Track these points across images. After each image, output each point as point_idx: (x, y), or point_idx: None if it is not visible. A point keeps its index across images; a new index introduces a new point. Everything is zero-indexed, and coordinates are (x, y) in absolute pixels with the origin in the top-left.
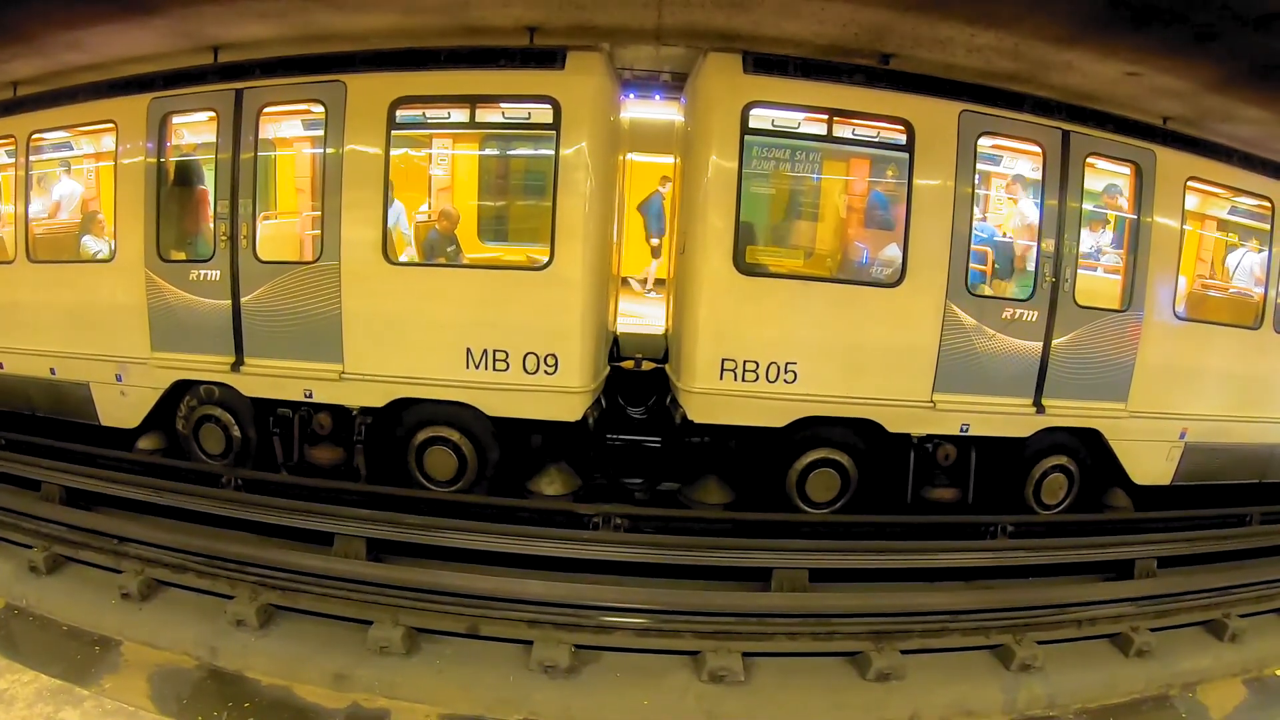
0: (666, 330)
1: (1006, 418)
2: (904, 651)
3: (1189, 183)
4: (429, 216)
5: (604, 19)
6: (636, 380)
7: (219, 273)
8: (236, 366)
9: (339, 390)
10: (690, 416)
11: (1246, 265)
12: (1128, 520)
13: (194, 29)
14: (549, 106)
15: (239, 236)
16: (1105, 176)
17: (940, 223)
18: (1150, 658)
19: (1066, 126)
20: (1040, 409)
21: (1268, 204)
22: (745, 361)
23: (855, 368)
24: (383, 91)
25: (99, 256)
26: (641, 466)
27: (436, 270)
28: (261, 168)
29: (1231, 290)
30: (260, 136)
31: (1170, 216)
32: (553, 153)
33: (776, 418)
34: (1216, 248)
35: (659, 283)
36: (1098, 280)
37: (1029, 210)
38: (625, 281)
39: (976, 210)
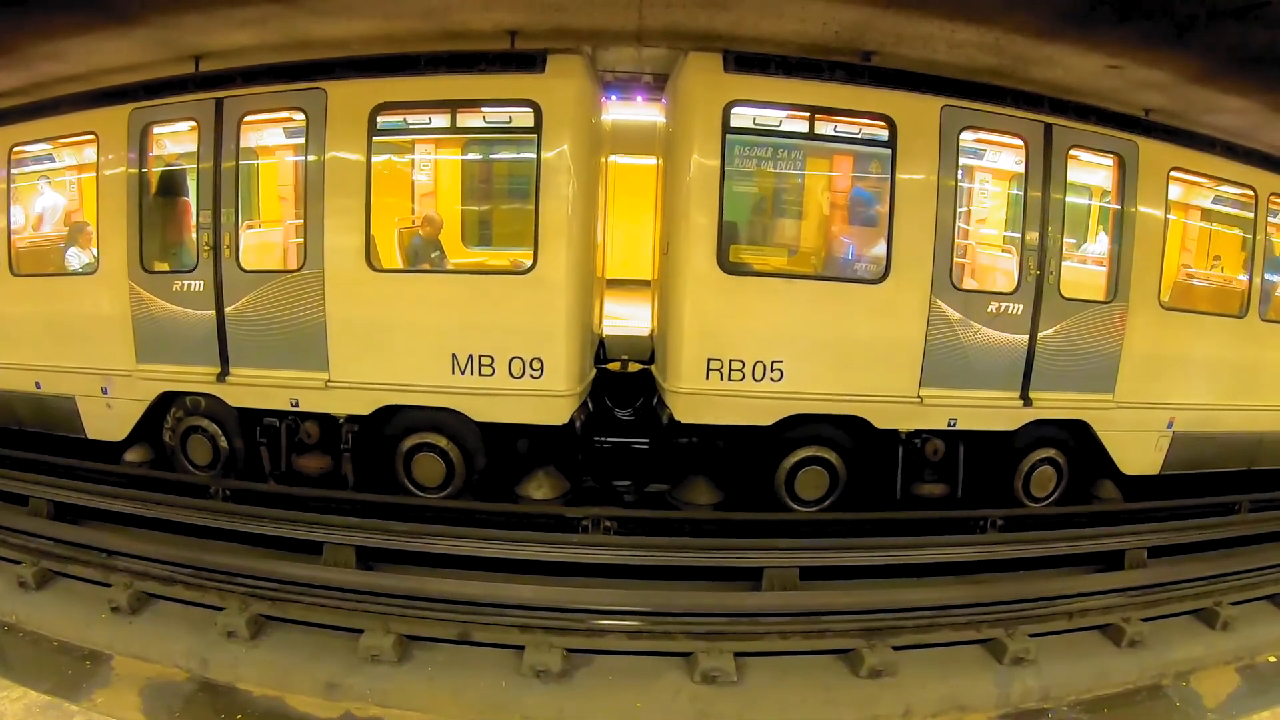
0: (652, 331)
1: (994, 411)
2: (896, 648)
3: (1172, 173)
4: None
5: (585, 22)
6: (623, 382)
7: (202, 283)
8: (222, 377)
9: (325, 399)
10: (677, 417)
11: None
12: (1117, 511)
13: (175, 38)
14: (530, 110)
15: (222, 246)
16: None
17: (924, 218)
18: (1142, 648)
19: (1049, 119)
20: (1027, 402)
21: (1251, 192)
22: (731, 360)
23: (841, 364)
24: (363, 98)
25: (82, 269)
26: (630, 468)
27: (421, 276)
28: (244, 177)
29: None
30: (242, 145)
31: (1154, 207)
32: (534, 156)
33: (763, 416)
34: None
35: None
36: (1083, 271)
37: None
38: None
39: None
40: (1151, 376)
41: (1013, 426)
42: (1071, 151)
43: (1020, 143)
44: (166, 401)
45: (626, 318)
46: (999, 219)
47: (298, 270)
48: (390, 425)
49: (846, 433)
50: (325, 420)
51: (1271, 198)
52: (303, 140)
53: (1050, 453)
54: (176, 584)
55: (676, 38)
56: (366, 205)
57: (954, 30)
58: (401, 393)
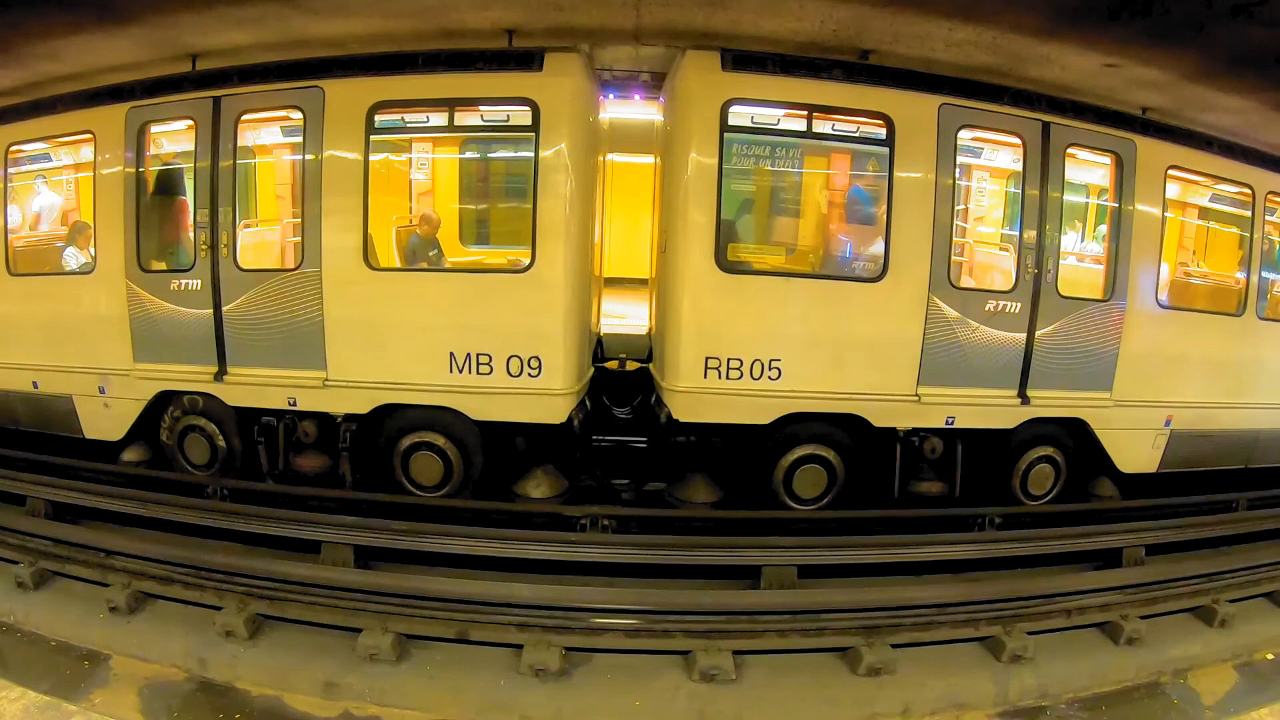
0: (650, 330)
1: (992, 409)
2: (894, 645)
3: (1169, 171)
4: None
5: (583, 20)
6: (621, 381)
7: (200, 282)
8: (220, 376)
9: (323, 398)
10: (675, 415)
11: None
12: (1115, 509)
13: (172, 37)
14: (528, 109)
15: (219, 245)
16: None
17: (922, 216)
18: (1140, 645)
19: (1046, 118)
20: (1025, 400)
21: (1248, 191)
22: (729, 359)
23: (839, 363)
24: (361, 96)
25: (79, 268)
26: (628, 467)
27: (418, 275)
28: (241, 176)
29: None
30: (239, 144)
31: (1151, 205)
32: (532, 155)
33: (761, 415)
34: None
35: None
36: (1080, 270)
37: None
38: None
39: None
40: (1149, 374)
41: (1010, 425)
42: (1069, 150)
43: (1018, 141)
44: (164, 401)
45: (624, 316)
46: (997, 217)
47: (295, 269)
48: (388, 424)
49: (845, 431)
50: (323, 419)
51: (1269, 196)
52: (300, 139)
53: (1048, 451)
54: (174, 583)
55: (674, 36)
56: (364, 204)
57: (951, 29)
58: (399, 391)
